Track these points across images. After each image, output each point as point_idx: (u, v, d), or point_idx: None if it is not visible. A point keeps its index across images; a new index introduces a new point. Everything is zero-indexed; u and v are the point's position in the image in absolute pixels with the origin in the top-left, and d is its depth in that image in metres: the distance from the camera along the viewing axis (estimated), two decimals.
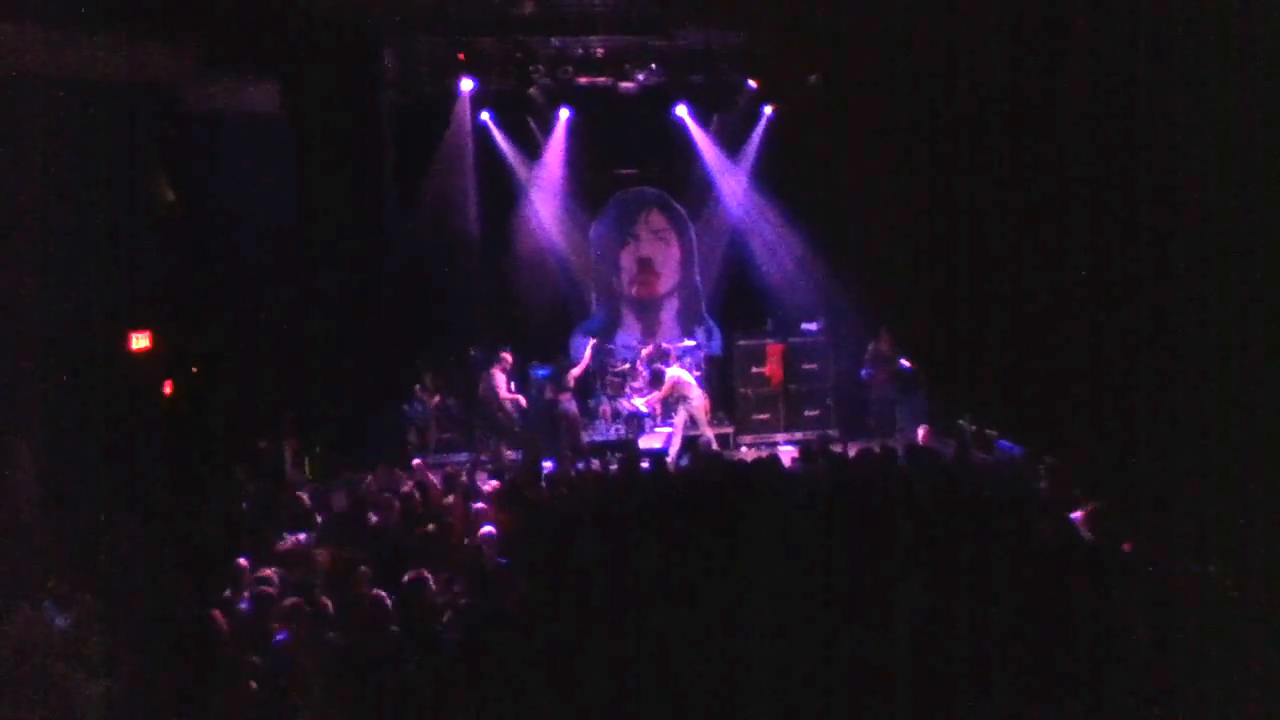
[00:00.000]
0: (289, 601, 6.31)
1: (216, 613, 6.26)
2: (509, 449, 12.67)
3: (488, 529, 7.43)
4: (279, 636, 6.00)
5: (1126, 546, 6.31)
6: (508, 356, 13.04)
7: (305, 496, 8.96)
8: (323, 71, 12.12)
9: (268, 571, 7.07)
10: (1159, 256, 9.15)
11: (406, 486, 8.97)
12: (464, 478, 9.54)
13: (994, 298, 11.98)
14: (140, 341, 10.36)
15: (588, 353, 13.94)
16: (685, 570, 5.67)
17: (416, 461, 10.99)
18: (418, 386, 13.34)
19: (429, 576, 6.49)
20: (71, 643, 5.86)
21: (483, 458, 12.84)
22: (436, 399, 13.35)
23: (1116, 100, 9.62)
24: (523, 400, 13.11)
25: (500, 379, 12.87)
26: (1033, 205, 11.17)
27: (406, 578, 6.54)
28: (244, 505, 9.05)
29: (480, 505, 8.50)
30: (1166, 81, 8.96)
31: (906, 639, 4.56)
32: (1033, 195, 11.16)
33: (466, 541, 7.45)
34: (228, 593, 6.83)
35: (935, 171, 12.66)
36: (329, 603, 6.46)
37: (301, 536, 7.98)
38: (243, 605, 6.63)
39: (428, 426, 13.27)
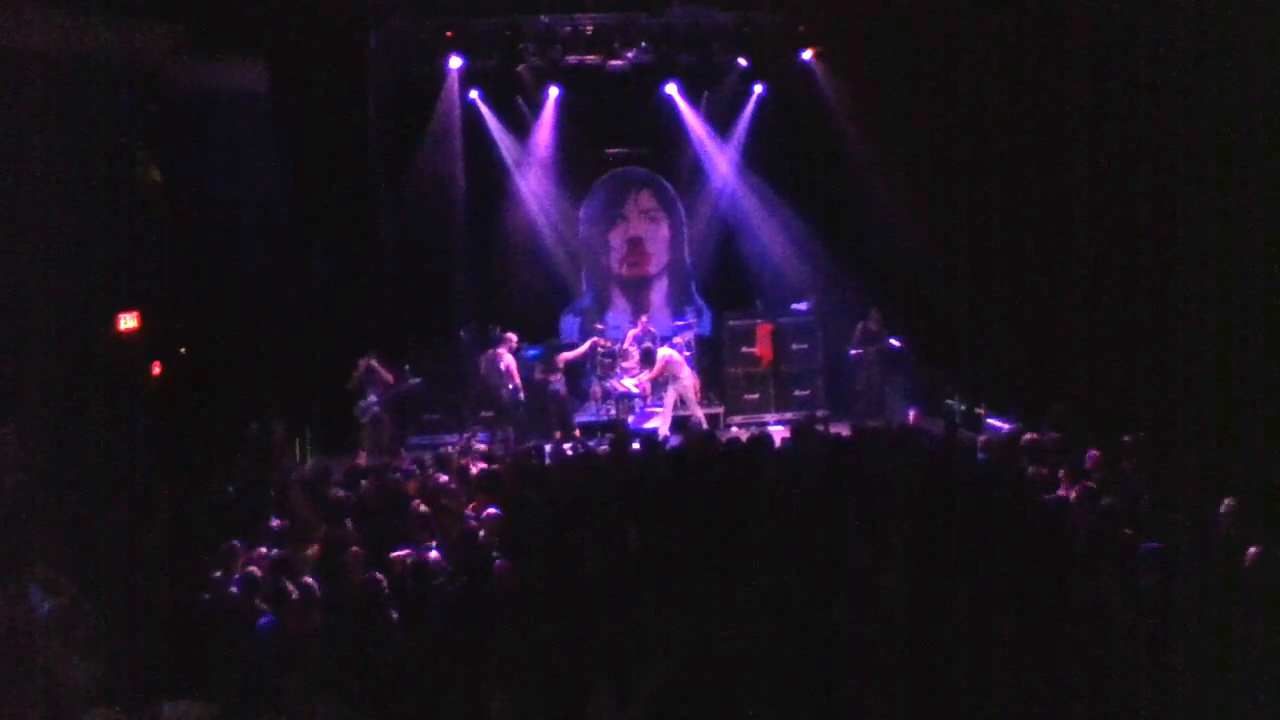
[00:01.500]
0: (277, 583, 6.28)
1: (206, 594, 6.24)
2: (514, 430, 12.58)
3: (491, 510, 7.40)
4: (264, 620, 5.97)
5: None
6: (513, 337, 12.92)
7: (296, 478, 8.92)
8: (310, 50, 12.00)
9: (258, 553, 7.04)
10: (1160, 238, 9.15)
11: (405, 467, 8.96)
12: (458, 459, 9.49)
13: (988, 275, 12.00)
14: (128, 322, 10.27)
15: (586, 345, 13.89)
16: (684, 550, 5.66)
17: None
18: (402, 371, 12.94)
19: (424, 558, 6.48)
20: (60, 626, 5.82)
21: (478, 438, 12.69)
22: (392, 379, 12.46)
23: (1118, 82, 9.60)
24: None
25: (511, 361, 12.73)
26: (1031, 185, 11.17)
27: (401, 559, 6.54)
28: (230, 489, 9.00)
29: (453, 486, 8.45)
30: (1161, 74, 8.95)
31: (903, 616, 4.56)
32: (1031, 176, 11.16)
33: (464, 524, 7.41)
34: (218, 574, 6.79)
35: (931, 149, 12.64)
36: (318, 585, 6.44)
37: (291, 519, 7.94)
38: (232, 588, 6.59)
39: (383, 420, 12.37)
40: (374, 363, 12.23)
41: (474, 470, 8.99)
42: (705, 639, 4.32)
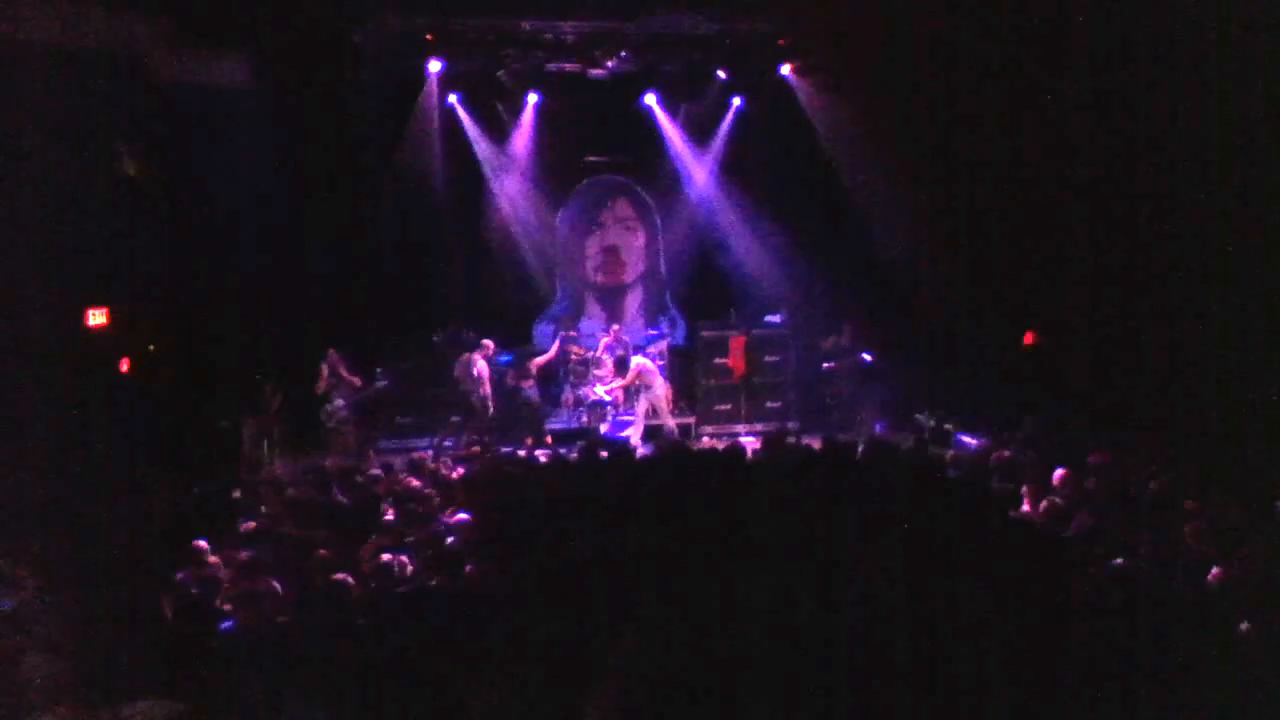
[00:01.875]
0: (244, 585, 6.23)
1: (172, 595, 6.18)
2: (482, 433, 12.53)
3: (461, 516, 7.38)
4: (225, 624, 5.92)
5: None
6: (490, 344, 12.91)
7: (267, 477, 8.85)
8: (295, 48, 11.96)
9: (225, 554, 6.98)
10: (1136, 253, 9.23)
11: (373, 469, 8.91)
12: (430, 463, 9.46)
13: (963, 290, 12.10)
14: (97, 318, 10.15)
15: (555, 347, 13.92)
16: (665, 560, 5.66)
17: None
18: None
19: (393, 561, 6.46)
20: (21, 622, 5.74)
21: (446, 442, 12.67)
22: (359, 382, 12.32)
23: (1108, 96, 9.67)
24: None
25: (485, 367, 12.71)
26: (1009, 201, 11.27)
27: (369, 562, 6.50)
28: (196, 488, 8.92)
29: (425, 490, 8.42)
30: (1162, 73, 8.99)
31: (867, 632, 4.58)
32: (1009, 192, 11.26)
33: (433, 526, 7.38)
34: (184, 575, 6.73)
35: (908, 165, 12.74)
36: (284, 586, 6.38)
37: (260, 519, 7.89)
38: (195, 589, 6.53)
39: (349, 423, 12.12)
40: (340, 365, 12.13)
41: (448, 474, 8.96)
42: (690, 642, 4.31)
